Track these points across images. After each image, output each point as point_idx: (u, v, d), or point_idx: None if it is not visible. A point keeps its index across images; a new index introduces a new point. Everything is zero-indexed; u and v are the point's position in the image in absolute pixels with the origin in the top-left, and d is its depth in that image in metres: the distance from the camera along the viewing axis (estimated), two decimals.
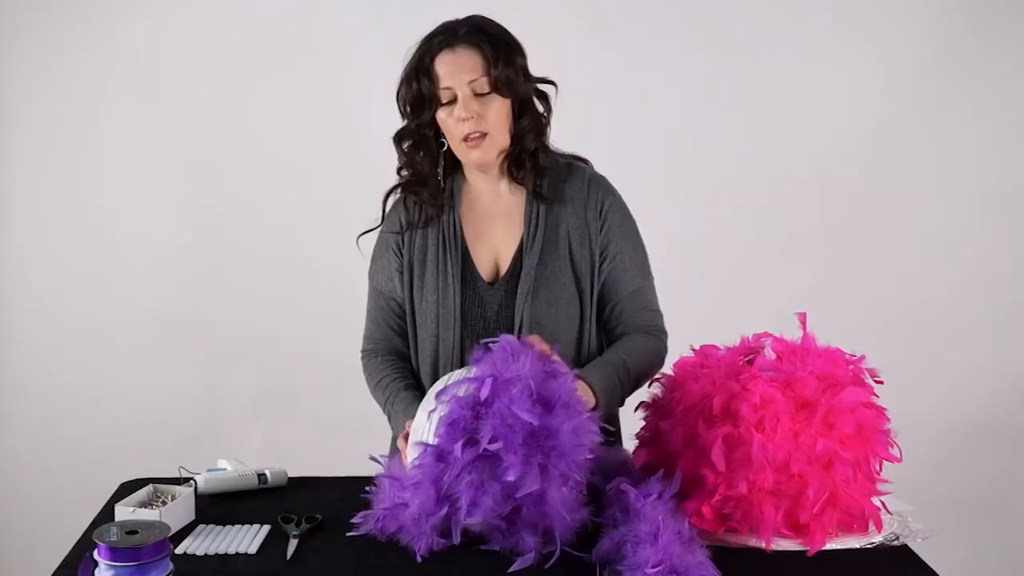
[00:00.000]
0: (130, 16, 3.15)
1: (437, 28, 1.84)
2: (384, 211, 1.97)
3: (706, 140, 3.18)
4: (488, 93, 1.79)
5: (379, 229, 1.98)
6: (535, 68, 1.88)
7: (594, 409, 1.66)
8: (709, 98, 3.17)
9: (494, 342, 1.61)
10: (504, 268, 1.89)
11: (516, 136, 1.86)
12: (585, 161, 1.98)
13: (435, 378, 1.80)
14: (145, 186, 3.23)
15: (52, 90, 3.18)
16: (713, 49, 3.16)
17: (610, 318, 1.93)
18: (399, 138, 1.90)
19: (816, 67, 3.17)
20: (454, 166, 1.94)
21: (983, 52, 3.14)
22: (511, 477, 1.48)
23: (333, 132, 3.19)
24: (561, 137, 2.05)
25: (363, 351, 2.01)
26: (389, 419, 1.91)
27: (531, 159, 1.87)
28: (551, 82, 1.88)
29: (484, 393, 1.52)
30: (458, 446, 1.51)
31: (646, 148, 3.14)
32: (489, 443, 1.49)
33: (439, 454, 1.54)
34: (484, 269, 1.89)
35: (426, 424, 1.59)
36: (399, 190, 1.95)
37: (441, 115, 1.82)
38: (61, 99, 3.18)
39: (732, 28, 3.16)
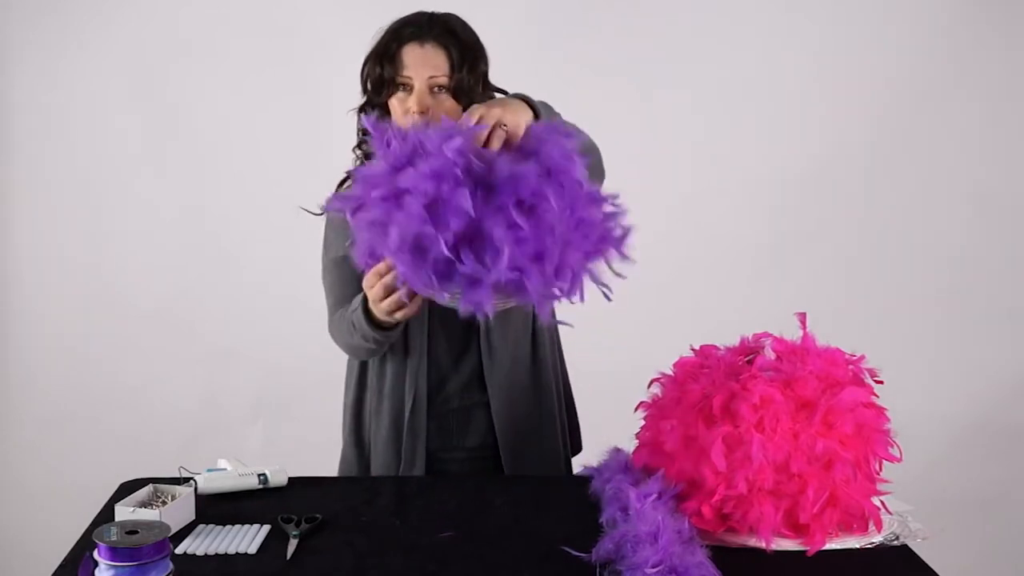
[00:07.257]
0: (129, 14, 3.15)
1: (410, 17, 1.87)
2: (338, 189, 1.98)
3: (705, 139, 3.18)
4: (444, 92, 1.82)
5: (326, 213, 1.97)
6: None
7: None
8: (708, 96, 3.17)
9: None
10: None
11: None
12: None
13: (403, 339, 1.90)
14: (144, 186, 3.23)
15: (50, 89, 3.18)
16: (713, 47, 3.16)
17: None
18: (362, 111, 1.92)
19: (816, 66, 3.18)
20: None
21: (983, 52, 3.14)
22: None
23: (332, 132, 3.18)
24: None
25: (328, 322, 1.97)
26: (353, 321, 1.84)
27: None
28: (505, 92, 1.89)
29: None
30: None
31: (646, 147, 3.14)
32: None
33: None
34: None
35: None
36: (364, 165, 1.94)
37: (394, 102, 1.86)
38: (59, 99, 3.18)
39: (731, 27, 3.16)
